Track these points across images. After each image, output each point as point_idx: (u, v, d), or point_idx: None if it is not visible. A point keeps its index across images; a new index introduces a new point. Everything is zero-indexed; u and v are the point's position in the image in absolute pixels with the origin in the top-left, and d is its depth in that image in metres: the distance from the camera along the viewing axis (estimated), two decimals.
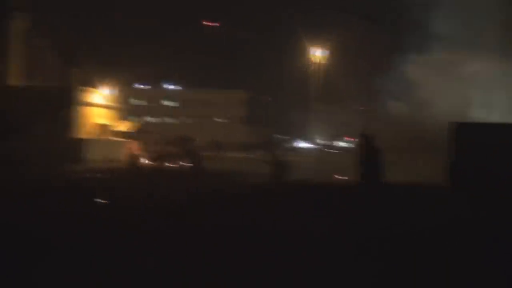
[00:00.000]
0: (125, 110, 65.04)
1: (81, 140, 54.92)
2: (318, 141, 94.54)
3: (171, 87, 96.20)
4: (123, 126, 62.86)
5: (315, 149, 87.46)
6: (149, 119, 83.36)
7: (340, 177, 40.84)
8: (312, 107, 75.73)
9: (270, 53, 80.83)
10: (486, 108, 48.57)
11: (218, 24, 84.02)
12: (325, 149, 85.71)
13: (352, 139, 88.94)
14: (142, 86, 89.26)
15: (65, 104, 55.18)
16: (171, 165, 53.57)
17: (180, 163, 53.13)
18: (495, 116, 45.10)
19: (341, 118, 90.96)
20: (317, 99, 74.99)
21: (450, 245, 15.69)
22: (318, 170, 46.66)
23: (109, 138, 59.29)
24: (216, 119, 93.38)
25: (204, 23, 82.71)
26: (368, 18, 40.95)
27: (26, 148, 48.31)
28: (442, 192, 27.44)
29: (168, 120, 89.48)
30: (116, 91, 62.32)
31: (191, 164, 47.97)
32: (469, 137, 29.89)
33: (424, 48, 56.23)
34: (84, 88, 57.92)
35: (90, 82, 58.98)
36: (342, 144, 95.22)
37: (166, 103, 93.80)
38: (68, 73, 61.00)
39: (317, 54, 73.18)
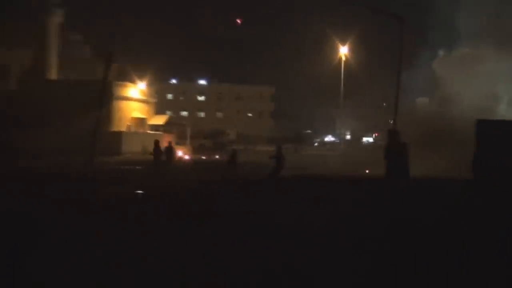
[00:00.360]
0: (160, 104, 64.57)
1: (119, 133, 54.64)
2: (345, 136, 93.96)
3: (203, 81, 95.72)
4: (159, 120, 62.49)
5: (342, 143, 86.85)
6: (183, 113, 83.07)
7: (367, 171, 40.49)
8: (340, 103, 74.84)
9: (300, 50, 79.93)
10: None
11: (242, 21, 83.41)
12: (352, 145, 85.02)
13: (378, 135, 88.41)
14: (174, 81, 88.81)
15: (103, 98, 54.79)
16: (206, 157, 53.41)
17: (216, 156, 53.06)
18: None
19: (368, 114, 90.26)
20: (345, 95, 74.11)
21: (465, 234, 15.67)
22: (345, 163, 46.36)
23: (146, 131, 58.94)
24: (246, 114, 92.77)
25: (236, 20, 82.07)
26: (395, 16, 39.88)
27: (65, 140, 48.29)
28: (464, 185, 27.06)
29: (200, 114, 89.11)
30: (151, 86, 61.86)
31: (225, 158, 47.64)
32: (490, 133, 29.18)
33: (450, 44, 55.27)
34: (121, 82, 57.44)
35: (127, 77, 58.46)
36: (368, 139, 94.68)
37: (198, 97, 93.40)
38: (104, 67, 60.58)
39: (345, 51, 72.28)
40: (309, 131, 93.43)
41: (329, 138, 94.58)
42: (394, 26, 57.72)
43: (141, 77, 59.36)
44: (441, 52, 56.35)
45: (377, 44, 78.26)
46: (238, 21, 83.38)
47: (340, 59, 71.56)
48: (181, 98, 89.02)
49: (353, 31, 74.29)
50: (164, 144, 50.51)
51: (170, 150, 33.21)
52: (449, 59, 54.62)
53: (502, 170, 28.01)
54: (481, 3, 51.09)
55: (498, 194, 23.89)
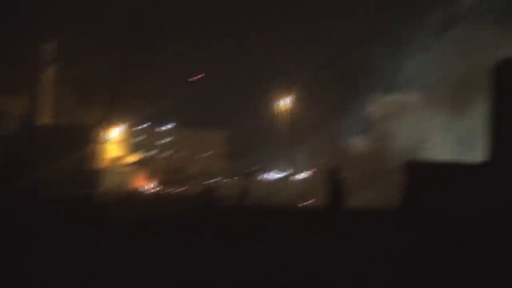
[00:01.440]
0: (133, 145, 67.83)
1: (100, 169, 57.63)
2: (284, 172, 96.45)
3: (168, 126, 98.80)
4: (132, 158, 65.80)
5: (281, 178, 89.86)
6: (152, 152, 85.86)
7: (308, 202, 42.66)
8: (281, 144, 78.53)
9: (249, 98, 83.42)
10: (437, 148, 47.86)
11: (203, 76, 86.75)
12: (290, 179, 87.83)
13: (313, 171, 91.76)
14: (145, 125, 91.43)
15: (87, 139, 58.00)
16: (173, 189, 56.97)
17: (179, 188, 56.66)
18: (446, 155, 44.38)
19: (303, 153, 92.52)
20: (285, 137, 77.54)
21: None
22: (287, 196, 48.71)
23: (122, 168, 62.06)
24: (205, 153, 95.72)
25: (197, 77, 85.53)
26: (333, 63, 41.02)
27: (54, 177, 50.62)
28: (393, 217, 28.42)
29: (165, 153, 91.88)
30: (126, 129, 65.25)
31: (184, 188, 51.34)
32: (418, 173, 31.08)
33: (386, 90, 55.34)
34: (102, 125, 60.68)
35: (107, 121, 61.72)
36: (302, 175, 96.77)
37: (163, 140, 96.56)
38: (89, 112, 63.71)
39: (286, 98, 76.05)
40: (257, 167, 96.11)
41: (272, 175, 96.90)
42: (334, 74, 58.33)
43: (120, 122, 62.75)
44: (376, 96, 56.06)
45: (317, 91, 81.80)
46: (196, 78, 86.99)
47: (286, 106, 75.05)
48: (148, 140, 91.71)
49: (295, 81, 77.02)
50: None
51: None
52: (383, 102, 55.21)
53: (429, 208, 30.48)
54: (411, 55, 52.63)
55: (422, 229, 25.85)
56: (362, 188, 38.92)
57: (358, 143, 55.37)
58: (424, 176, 31.05)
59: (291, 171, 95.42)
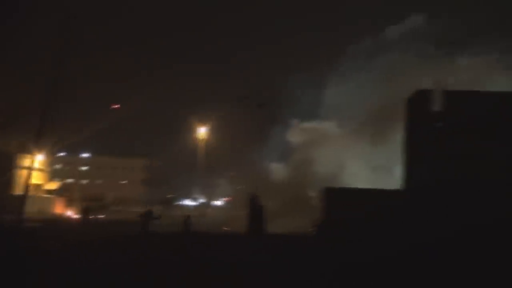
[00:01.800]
0: (52, 173, 66.67)
1: (19, 196, 56.26)
2: (200, 199, 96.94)
3: (86, 154, 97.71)
4: (52, 185, 64.59)
5: (198, 205, 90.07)
6: (72, 179, 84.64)
7: (226, 228, 42.35)
8: (198, 173, 78.84)
9: (171, 127, 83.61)
10: (354, 176, 47.07)
11: (119, 106, 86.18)
12: (206, 206, 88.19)
13: (228, 199, 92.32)
14: (64, 153, 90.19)
15: (6, 167, 56.68)
16: (92, 216, 55.99)
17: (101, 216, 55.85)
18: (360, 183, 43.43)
19: (220, 182, 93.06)
20: (202, 165, 77.86)
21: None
22: (206, 222, 48.37)
23: (41, 195, 60.85)
24: (122, 181, 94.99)
25: (112, 106, 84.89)
26: (258, 103, 40.53)
27: None
28: (312, 242, 29.03)
29: (84, 181, 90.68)
30: (45, 157, 64.09)
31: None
32: (335, 199, 31.94)
33: (305, 117, 54.23)
34: (22, 154, 59.52)
35: (26, 149, 60.51)
36: (217, 202, 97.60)
37: (82, 167, 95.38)
38: (9, 140, 62.28)
39: (202, 130, 76.77)
40: (172, 195, 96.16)
41: (188, 202, 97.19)
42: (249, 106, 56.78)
43: (39, 150, 61.47)
44: (294, 122, 54.73)
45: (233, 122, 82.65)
46: (116, 106, 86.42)
47: (200, 137, 75.69)
48: (67, 168, 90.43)
49: (211, 112, 77.62)
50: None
51: None
52: (301, 129, 53.88)
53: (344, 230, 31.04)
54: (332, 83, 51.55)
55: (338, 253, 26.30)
56: (283, 214, 39.01)
57: (278, 170, 54.00)
58: (341, 201, 32.02)
59: (206, 198, 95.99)
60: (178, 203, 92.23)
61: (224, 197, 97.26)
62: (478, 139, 32.44)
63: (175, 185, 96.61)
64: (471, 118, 33.01)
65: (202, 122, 76.50)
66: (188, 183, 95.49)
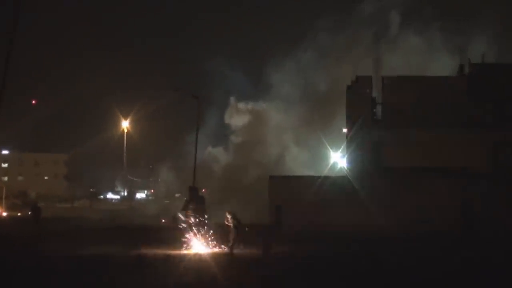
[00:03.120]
0: None
1: None
2: (123, 193, 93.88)
3: (5, 151, 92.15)
4: None
5: (123, 199, 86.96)
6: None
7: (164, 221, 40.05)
8: (124, 167, 75.70)
9: (92, 122, 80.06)
10: (296, 160, 45.28)
11: (35, 102, 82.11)
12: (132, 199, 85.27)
13: (154, 191, 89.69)
14: None
15: None
16: (20, 214, 52.35)
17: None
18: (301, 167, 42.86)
19: (142, 173, 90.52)
20: (123, 159, 74.70)
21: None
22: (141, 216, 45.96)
23: None
24: (44, 177, 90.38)
25: (32, 101, 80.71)
26: (193, 94, 37.83)
27: None
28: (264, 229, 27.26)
29: (4, 178, 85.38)
30: None
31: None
32: (280, 187, 31.71)
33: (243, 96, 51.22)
34: None
35: None
36: (142, 195, 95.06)
37: (2, 164, 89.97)
38: None
39: (126, 124, 73.55)
40: (92, 189, 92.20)
41: (110, 195, 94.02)
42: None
43: None
44: (232, 100, 51.48)
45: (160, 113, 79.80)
46: (33, 101, 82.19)
47: (123, 130, 72.56)
48: None
49: (137, 106, 74.70)
50: None
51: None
52: (239, 110, 50.68)
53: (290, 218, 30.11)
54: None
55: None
56: (224, 201, 37.29)
57: (217, 154, 51.05)
58: (285, 189, 31.47)
59: (127, 191, 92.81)
60: (101, 196, 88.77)
61: (147, 189, 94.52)
62: (414, 126, 32.32)
63: (98, 179, 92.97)
64: (407, 103, 32.84)
65: (127, 114, 73.21)
66: (111, 176, 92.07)
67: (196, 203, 28.13)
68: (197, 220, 24.60)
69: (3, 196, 57.50)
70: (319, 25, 49.75)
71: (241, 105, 50.29)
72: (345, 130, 48.62)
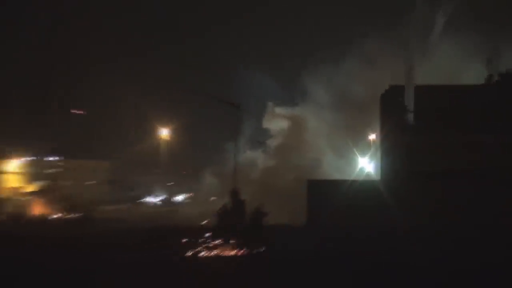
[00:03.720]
0: (28, 176, 63.94)
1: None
2: (161, 196, 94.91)
3: (55, 157, 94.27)
4: (33, 187, 62.03)
5: (161, 202, 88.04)
6: (45, 182, 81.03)
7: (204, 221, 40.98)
8: (161, 171, 77.11)
9: (131, 131, 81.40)
10: (330, 164, 45.62)
11: (83, 112, 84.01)
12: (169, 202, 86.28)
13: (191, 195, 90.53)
14: (34, 158, 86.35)
15: None
16: (69, 215, 54.03)
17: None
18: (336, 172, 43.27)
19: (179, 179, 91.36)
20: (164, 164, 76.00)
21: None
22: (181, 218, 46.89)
23: (22, 197, 58.27)
24: (89, 182, 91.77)
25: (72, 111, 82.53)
26: (233, 103, 38.10)
27: None
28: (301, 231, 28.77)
29: (56, 183, 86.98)
30: (21, 161, 61.57)
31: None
32: (318, 190, 32.30)
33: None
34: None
35: (5, 155, 58.11)
36: (178, 198, 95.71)
37: (52, 170, 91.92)
38: None
39: (164, 131, 74.95)
40: (132, 193, 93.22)
41: (149, 199, 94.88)
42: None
43: (16, 155, 59.19)
44: (270, 105, 51.55)
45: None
46: (78, 112, 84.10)
47: (161, 138, 73.88)
48: (42, 170, 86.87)
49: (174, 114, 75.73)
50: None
51: None
52: (277, 115, 50.77)
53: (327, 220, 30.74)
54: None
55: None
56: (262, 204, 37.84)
57: (255, 158, 51.22)
58: (323, 193, 31.87)
59: (167, 195, 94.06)
60: (141, 200, 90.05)
61: (185, 193, 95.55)
62: (447, 131, 32.83)
63: (137, 184, 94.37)
64: (439, 111, 33.40)
65: (166, 123, 74.51)
66: (150, 181, 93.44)
67: (236, 205, 28.97)
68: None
69: (54, 200, 59.33)
70: (357, 33, 50.04)
71: (278, 110, 50.54)
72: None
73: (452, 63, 43.27)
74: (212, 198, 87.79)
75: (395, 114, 34.30)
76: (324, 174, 40.27)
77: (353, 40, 48.96)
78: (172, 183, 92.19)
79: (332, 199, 31.83)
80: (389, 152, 33.89)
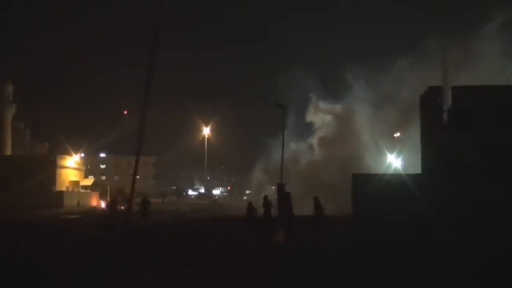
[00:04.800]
0: (84, 171, 65.56)
1: (61, 192, 55.32)
2: (200, 190, 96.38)
3: (103, 154, 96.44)
4: (88, 182, 63.53)
5: (200, 195, 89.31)
6: (99, 177, 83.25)
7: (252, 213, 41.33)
8: (205, 168, 78.27)
9: (175, 129, 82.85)
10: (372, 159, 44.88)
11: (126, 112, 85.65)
12: (208, 195, 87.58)
13: (230, 188, 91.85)
14: (82, 155, 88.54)
15: (48, 167, 55.52)
16: (120, 207, 55.15)
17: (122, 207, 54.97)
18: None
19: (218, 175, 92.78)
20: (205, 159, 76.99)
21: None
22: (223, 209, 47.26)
23: (78, 190, 59.82)
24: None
25: (124, 111, 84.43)
26: (278, 104, 37.75)
27: (22, 198, 48.36)
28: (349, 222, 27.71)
29: (102, 177, 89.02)
30: (79, 158, 63.19)
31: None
32: (363, 184, 32.45)
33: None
34: (62, 156, 58.55)
35: (64, 151, 59.73)
36: (217, 192, 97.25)
37: (101, 166, 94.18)
38: (43, 145, 61.48)
39: (207, 130, 76.06)
40: (175, 187, 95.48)
41: (190, 192, 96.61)
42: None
43: (74, 152, 60.77)
44: (313, 99, 50.14)
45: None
46: (125, 112, 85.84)
47: (204, 136, 74.97)
48: (95, 165, 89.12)
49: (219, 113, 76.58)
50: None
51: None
52: (320, 109, 49.77)
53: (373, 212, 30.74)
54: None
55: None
56: (307, 196, 38.21)
57: (299, 150, 49.94)
58: (368, 186, 32.01)
59: (206, 189, 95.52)
60: (183, 193, 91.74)
61: (223, 187, 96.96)
62: (485, 132, 32.94)
63: (179, 178, 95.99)
64: (478, 112, 33.52)
65: (208, 121, 75.46)
66: (191, 175, 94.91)
67: (283, 198, 29.36)
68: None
69: (108, 193, 60.74)
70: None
71: (322, 104, 50.20)
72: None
73: (493, 64, 42.75)
74: (247, 191, 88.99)
75: (434, 113, 34.51)
76: (366, 168, 40.18)
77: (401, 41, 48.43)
78: (210, 177, 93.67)
79: (376, 192, 31.67)
80: (429, 149, 34.12)
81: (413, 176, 34.23)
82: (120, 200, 62.70)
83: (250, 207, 26.87)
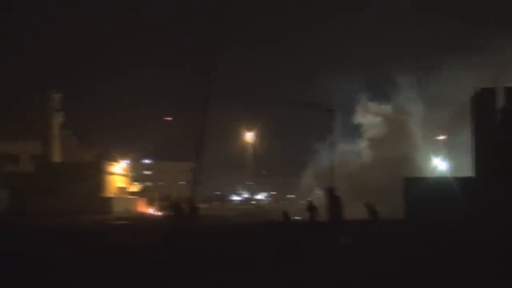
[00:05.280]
0: (131, 177, 65.57)
1: (109, 198, 55.19)
2: (244, 195, 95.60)
3: (148, 161, 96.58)
4: (135, 188, 63.52)
5: (243, 200, 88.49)
6: (145, 183, 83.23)
7: (297, 217, 40.68)
8: (247, 174, 77.54)
9: (217, 134, 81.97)
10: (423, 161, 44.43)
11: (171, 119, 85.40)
12: (250, 200, 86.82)
13: (274, 193, 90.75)
14: (128, 161, 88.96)
15: (96, 173, 55.49)
16: (167, 212, 54.73)
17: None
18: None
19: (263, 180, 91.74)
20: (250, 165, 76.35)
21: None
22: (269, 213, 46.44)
23: (126, 196, 59.71)
24: (179, 182, 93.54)
25: (165, 118, 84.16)
26: (327, 108, 37.06)
27: (71, 204, 48.42)
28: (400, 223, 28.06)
29: (148, 183, 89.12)
30: (126, 164, 63.16)
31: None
32: (415, 187, 31.51)
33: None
34: (109, 162, 58.49)
35: (111, 158, 59.67)
36: (260, 196, 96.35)
37: (145, 172, 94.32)
38: (90, 152, 61.60)
39: (249, 135, 75.29)
40: (218, 192, 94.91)
41: (233, 197, 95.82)
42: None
43: (121, 159, 60.75)
44: (363, 99, 49.76)
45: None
46: (169, 118, 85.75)
47: (247, 142, 74.26)
48: (140, 172, 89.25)
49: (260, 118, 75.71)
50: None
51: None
52: (369, 110, 48.93)
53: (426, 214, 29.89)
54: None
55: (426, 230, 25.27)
56: (356, 199, 37.24)
57: (348, 151, 49.31)
58: (421, 189, 30.94)
59: (249, 193, 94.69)
60: (226, 198, 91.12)
61: (266, 192, 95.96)
62: None
63: (221, 184, 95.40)
64: None
65: (252, 126, 74.57)
66: (233, 181, 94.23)
67: (333, 202, 28.44)
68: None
69: (156, 199, 60.60)
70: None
71: (371, 105, 49.14)
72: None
73: None
74: (289, 196, 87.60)
75: (486, 114, 33.13)
76: (416, 170, 38.91)
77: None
78: (252, 182, 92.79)
79: (428, 194, 30.84)
80: (481, 151, 32.72)
81: (466, 179, 33.15)
82: (166, 206, 62.57)
83: (311, 206, 26.00)
